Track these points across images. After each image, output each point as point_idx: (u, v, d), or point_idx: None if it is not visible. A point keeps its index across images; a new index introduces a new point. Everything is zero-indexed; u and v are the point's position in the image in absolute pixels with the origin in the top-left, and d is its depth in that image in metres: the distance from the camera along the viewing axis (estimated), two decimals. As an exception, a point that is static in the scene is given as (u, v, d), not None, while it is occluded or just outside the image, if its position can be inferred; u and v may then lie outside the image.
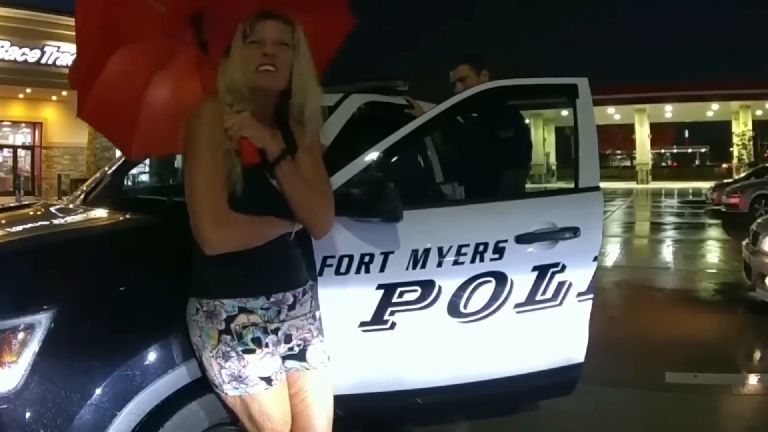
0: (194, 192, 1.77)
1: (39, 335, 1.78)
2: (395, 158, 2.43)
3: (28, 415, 1.74)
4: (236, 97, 1.82)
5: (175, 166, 3.99)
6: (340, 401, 2.11)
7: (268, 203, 1.84)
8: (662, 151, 64.16)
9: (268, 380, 1.85)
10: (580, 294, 2.49)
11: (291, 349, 1.95)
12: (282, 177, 1.81)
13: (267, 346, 1.86)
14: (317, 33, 2.02)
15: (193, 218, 1.76)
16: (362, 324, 2.28)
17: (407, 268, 2.30)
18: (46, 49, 19.27)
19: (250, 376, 1.83)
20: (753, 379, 4.25)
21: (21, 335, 1.77)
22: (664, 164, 61.69)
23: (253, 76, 1.83)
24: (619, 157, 61.91)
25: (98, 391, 1.80)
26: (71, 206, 3.04)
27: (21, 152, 23.08)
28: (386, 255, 2.27)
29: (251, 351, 1.83)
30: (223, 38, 1.95)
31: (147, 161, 3.72)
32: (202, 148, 1.78)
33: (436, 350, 2.40)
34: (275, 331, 1.90)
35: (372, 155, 2.34)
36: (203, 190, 1.76)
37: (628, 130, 43.45)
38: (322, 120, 1.98)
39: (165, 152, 2.95)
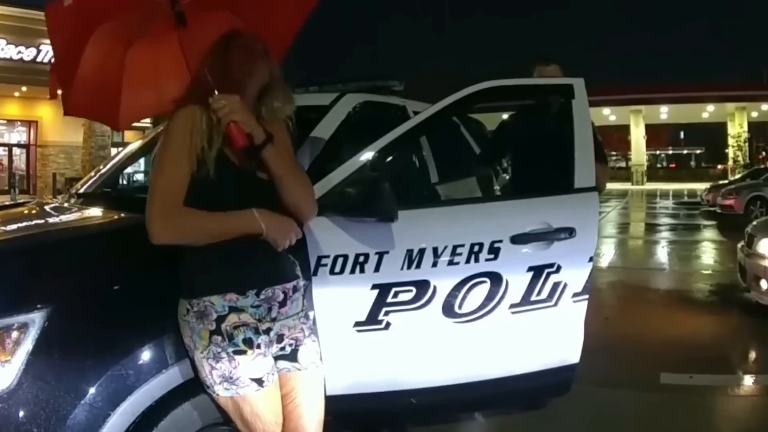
0: (155, 179, 1.84)
1: (33, 334, 1.77)
2: (390, 158, 2.42)
3: (21, 414, 1.73)
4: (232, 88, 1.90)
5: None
6: (334, 401, 2.11)
7: (239, 193, 1.89)
8: (657, 152, 64.23)
9: (259, 381, 1.85)
10: (575, 294, 2.49)
11: (283, 348, 1.95)
12: (269, 159, 1.88)
13: (259, 347, 1.86)
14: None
15: (147, 204, 1.82)
16: (357, 324, 2.28)
17: (402, 268, 2.30)
18: (41, 47, 19.16)
19: (241, 378, 1.83)
20: (748, 380, 4.27)
21: (15, 334, 1.76)
22: (659, 165, 61.78)
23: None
24: (614, 158, 61.95)
25: (92, 390, 1.79)
26: (66, 205, 3.02)
27: (16, 151, 23.05)
28: (381, 255, 2.27)
29: (242, 352, 1.83)
30: (200, 6, 2.05)
31: (142, 160, 3.69)
32: (175, 145, 1.84)
33: (431, 350, 2.40)
34: (267, 331, 1.90)
35: (367, 155, 2.34)
36: (164, 179, 1.83)
37: (623, 131, 43.50)
38: (288, 106, 2.05)
39: (152, 115, 3.21)
